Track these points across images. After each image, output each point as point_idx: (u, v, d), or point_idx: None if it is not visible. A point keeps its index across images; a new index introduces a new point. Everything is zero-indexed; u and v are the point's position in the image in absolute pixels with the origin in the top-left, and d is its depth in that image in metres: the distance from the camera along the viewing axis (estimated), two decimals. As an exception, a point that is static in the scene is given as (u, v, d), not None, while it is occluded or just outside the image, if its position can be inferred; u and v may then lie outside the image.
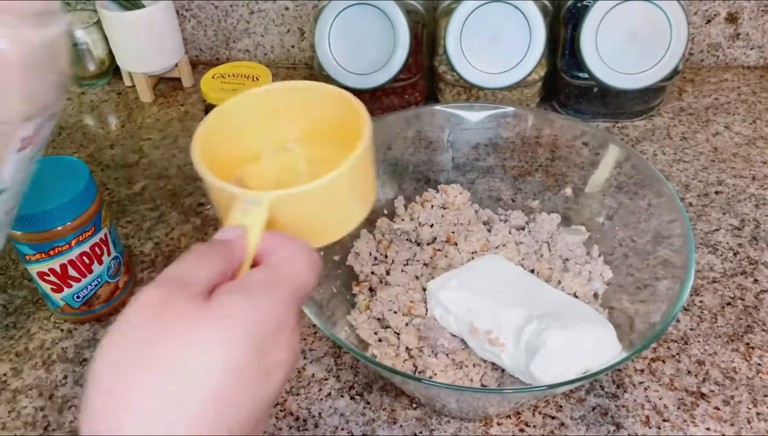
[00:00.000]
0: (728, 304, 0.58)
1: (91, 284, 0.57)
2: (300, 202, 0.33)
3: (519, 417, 0.50)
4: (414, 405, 0.51)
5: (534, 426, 0.49)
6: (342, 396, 0.52)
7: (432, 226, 0.60)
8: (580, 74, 0.78)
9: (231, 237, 0.30)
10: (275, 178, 0.40)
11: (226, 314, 0.26)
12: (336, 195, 0.35)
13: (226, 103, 0.38)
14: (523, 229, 0.61)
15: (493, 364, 0.49)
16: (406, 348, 0.51)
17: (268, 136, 0.40)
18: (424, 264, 0.58)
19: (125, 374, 0.24)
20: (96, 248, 0.55)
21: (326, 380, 0.53)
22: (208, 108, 0.59)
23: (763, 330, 0.56)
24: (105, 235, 0.56)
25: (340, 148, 0.35)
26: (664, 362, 0.54)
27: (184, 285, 0.26)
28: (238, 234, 0.30)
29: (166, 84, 0.93)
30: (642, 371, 0.53)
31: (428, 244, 0.60)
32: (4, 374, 0.55)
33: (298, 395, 0.52)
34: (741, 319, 0.57)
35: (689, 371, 0.53)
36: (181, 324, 0.25)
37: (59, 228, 0.52)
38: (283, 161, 0.41)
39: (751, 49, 0.88)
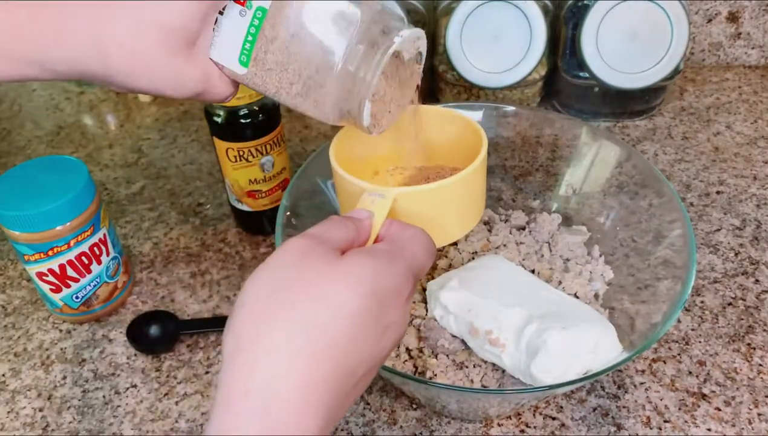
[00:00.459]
0: (729, 304, 0.58)
1: (90, 284, 0.56)
2: (419, 199, 0.39)
3: (520, 418, 0.50)
4: (414, 406, 0.51)
5: (534, 427, 0.49)
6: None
7: (432, 226, 0.60)
8: (581, 74, 0.78)
9: (361, 217, 0.35)
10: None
11: (355, 268, 0.30)
12: (450, 199, 0.40)
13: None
14: (524, 229, 0.61)
15: (494, 364, 0.49)
16: (407, 349, 0.51)
17: (393, 152, 0.47)
18: (424, 264, 0.58)
19: (271, 303, 0.28)
20: (95, 248, 0.55)
21: (326, 380, 0.53)
22: (207, 108, 0.59)
23: (765, 330, 0.55)
24: (104, 235, 0.56)
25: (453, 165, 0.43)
26: (665, 362, 0.53)
27: (324, 241, 0.31)
28: (367, 215, 0.35)
29: (165, 83, 0.93)
30: (643, 371, 0.53)
31: (428, 244, 0.60)
32: (3, 375, 0.55)
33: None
34: (742, 319, 0.56)
35: (690, 372, 0.53)
36: (319, 270, 0.29)
37: (58, 228, 0.52)
38: (399, 177, 0.47)
39: (752, 48, 0.88)
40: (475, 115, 0.61)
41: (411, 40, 0.36)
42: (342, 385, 0.28)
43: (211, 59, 0.35)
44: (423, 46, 0.38)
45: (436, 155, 0.48)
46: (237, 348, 0.28)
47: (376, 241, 0.35)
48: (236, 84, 0.37)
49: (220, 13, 0.34)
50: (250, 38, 0.34)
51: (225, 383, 0.27)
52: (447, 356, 0.50)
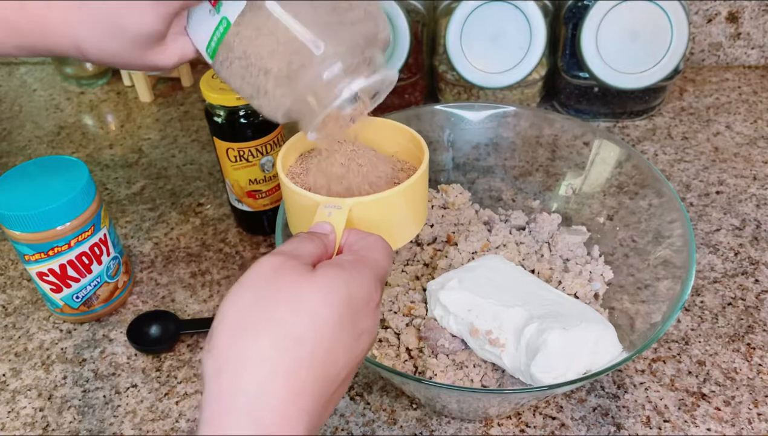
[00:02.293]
0: (729, 304, 0.58)
1: (90, 284, 0.56)
2: (373, 207, 0.40)
3: (519, 418, 0.50)
4: (414, 406, 0.51)
5: (534, 427, 0.49)
6: (342, 397, 0.52)
7: (432, 226, 0.60)
8: (581, 74, 0.78)
9: (325, 231, 0.36)
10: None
11: (328, 280, 0.31)
12: (402, 205, 0.42)
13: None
14: (524, 229, 0.61)
15: (494, 364, 0.49)
16: (407, 349, 0.51)
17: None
18: (425, 264, 0.58)
19: (248, 318, 0.29)
20: (95, 248, 0.55)
21: (326, 380, 0.53)
22: (208, 108, 0.59)
23: (764, 330, 0.55)
24: (104, 235, 0.56)
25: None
26: (664, 362, 0.53)
27: (295, 256, 0.32)
28: (330, 228, 0.37)
29: (165, 84, 0.93)
30: (643, 371, 0.53)
31: (428, 244, 0.60)
32: (3, 375, 0.55)
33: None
34: (742, 319, 0.56)
35: (690, 372, 0.53)
36: (293, 283, 0.30)
37: (58, 228, 0.52)
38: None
39: (752, 48, 0.88)
40: (476, 116, 0.61)
41: (381, 83, 0.38)
42: (323, 392, 0.30)
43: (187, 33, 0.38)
44: (386, 91, 0.40)
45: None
46: (219, 368, 0.28)
47: (338, 251, 0.37)
48: None
49: None
50: (215, 40, 0.36)
51: (210, 402, 0.28)
52: (447, 356, 0.50)
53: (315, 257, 0.34)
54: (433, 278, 0.54)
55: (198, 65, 0.95)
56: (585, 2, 0.74)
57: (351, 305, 0.31)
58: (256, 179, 0.61)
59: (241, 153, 0.59)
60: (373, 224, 0.40)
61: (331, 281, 0.31)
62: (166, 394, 0.53)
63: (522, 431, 0.49)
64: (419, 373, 0.49)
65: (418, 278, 0.57)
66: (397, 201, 0.41)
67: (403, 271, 0.57)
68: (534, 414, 0.50)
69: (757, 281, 0.60)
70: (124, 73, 0.91)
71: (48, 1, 0.35)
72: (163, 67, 0.38)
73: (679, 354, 0.54)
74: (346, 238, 0.37)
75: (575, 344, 0.45)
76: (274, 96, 0.37)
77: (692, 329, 0.56)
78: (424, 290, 0.54)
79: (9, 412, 0.52)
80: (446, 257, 0.57)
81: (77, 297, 0.57)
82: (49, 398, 0.53)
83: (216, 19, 0.36)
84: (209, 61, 0.38)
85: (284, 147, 0.46)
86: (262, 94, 0.37)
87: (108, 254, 0.57)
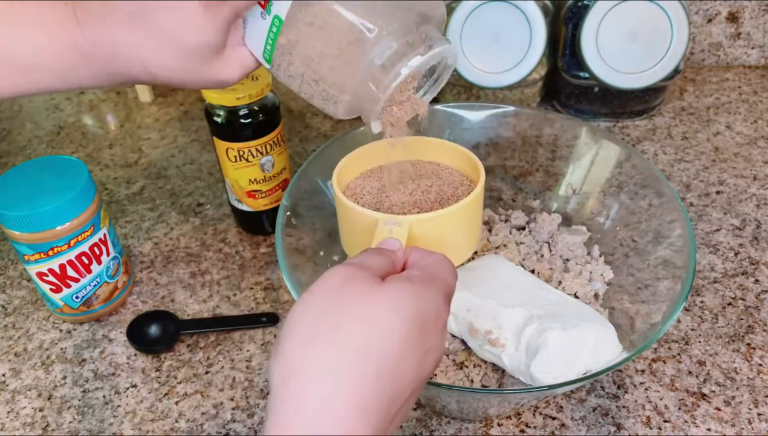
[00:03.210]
0: (729, 304, 0.58)
1: (90, 284, 0.56)
2: (432, 225, 0.40)
3: (519, 418, 0.50)
4: (414, 406, 0.51)
5: (534, 427, 0.49)
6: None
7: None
8: (581, 74, 0.78)
9: (394, 247, 0.37)
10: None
11: (398, 292, 0.31)
12: (459, 223, 0.43)
13: (363, 148, 0.50)
14: (524, 229, 0.61)
15: (494, 364, 0.49)
16: (406, 349, 0.51)
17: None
18: (424, 264, 0.58)
19: (318, 328, 0.29)
20: (95, 248, 0.55)
21: (326, 380, 0.53)
22: (208, 108, 0.59)
23: (764, 330, 0.55)
24: (104, 235, 0.56)
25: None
26: (664, 362, 0.53)
27: (365, 268, 0.32)
28: (399, 245, 0.37)
29: (165, 84, 0.93)
30: (643, 371, 0.53)
31: (428, 244, 0.60)
32: (3, 375, 0.55)
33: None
34: (742, 319, 0.56)
35: (690, 372, 0.53)
36: (363, 294, 0.30)
37: (58, 228, 0.52)
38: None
39: (752, 48, 0.88)
40: (476, 116, 0.61)
41: (440, 58, 0.37)
42: (388, 408, 0.29)
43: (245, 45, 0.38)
44: (448, 72, 0.40)
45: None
46: (286, 375, 0.28)
47: (402, 269, 0.36)
48: None
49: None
50: (270, 42, 0.36)
51: (276, 407, 0.28)
52: (447, 356, 0.50)
53: (384, 271, 0.34)
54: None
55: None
56: (585, 2, 0.74)
57: (420, 319, 0.30)
58: (256, 179, 0.61)
59: (241, 153, 0.59)
60: (432, 241, 0.40)
61: (401, 293, 0.31)
62: (165, 394, 0.53)
63: (522, 431, 0.49)
64: (419, 373, 0.49)
65: (418, 278, 0.56)
66: (456, 218, 0.41)
67: (403, 271, 0.57)
68: (534, 414, 0.50)
69: (757, 281, 0.60)
70: (124, 73, 0.91)
71: (112, 26, 0.34)
72: (228, 81, 0.38)
73: (679, 354, 0.54)
74: (409, 255, 0.37)
75: (575, 344, 0.45)
76: (334, 89, 0.36)
77: (692, 329, 0.56)
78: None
79: (9, 412, 0.52)
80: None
81: (77, 297, 0.57)
82: (48, 398, 0.53)
83: (268, 21, 0.35)
84: (268, 67, 0.38)
85: (339, 165, 0.47)
86: (322, 90, 0.36)
87: (108, 254, 0.57)
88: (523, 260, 0.57)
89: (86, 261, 0.55)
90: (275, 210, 0.64)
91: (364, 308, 0.30)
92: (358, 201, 0.46)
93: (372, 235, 0.39)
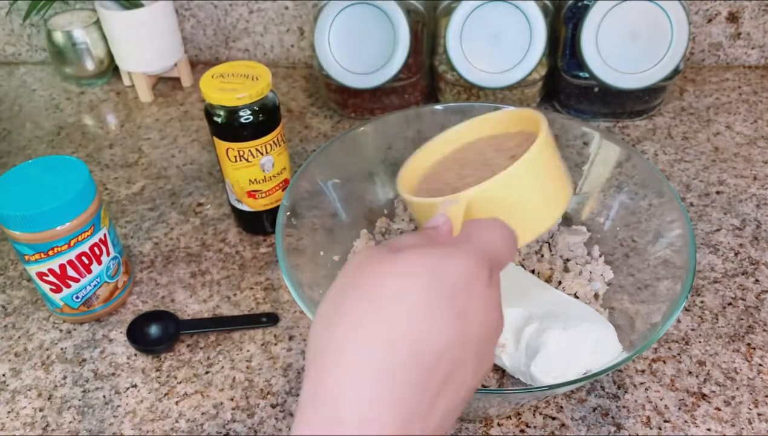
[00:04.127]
0: (729, 304, 0.58)
1: (90, 284, 0.56)
2: (494, 193, 0.36)
3: (519, 418, 0.50)
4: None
5: (534, 427, 0.49)
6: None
7: (432, 226, 0.60)
8: (581, 74, 0.78)
9: (436, 223, 0.35)
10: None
11: (410, 259, 0.29)
12: (528, 184, 0.37)
13: (426, 146, 0.47)
14: (524, 229, 0.61)
15: (494, 364, 0.49)
16: (406, 349, 0.51)
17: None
18: (424, 264, 0.58)
19: (333, 310, 0.29)
20: (95, 248, 0.55)
21: (326, 380, 0.53)
22: (208, 108, 0.59)
23: (764, 330, 0.55)
24: (104, 235, 0.56)
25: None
26: (665, 362, 0.53)
27: (386, 245, 0.31)
28: (443, 220, 0.35)
29: (165, 84, 0.93)
30: (643, 371, 0.53)
31: (428, 244, 0.60)
32: (3, 375, 0.55)
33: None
34: (742, 319, 0.56)
35: (690, 372, 0.53)
36: (373, 269, 0.30)
37: (58, 228, 0.52)
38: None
39: (752, 48, 0.88)
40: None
41: None
42: (420, 379, 0.27)
43: None
44: None
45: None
46: (313, 357, 0.29)
47: None
48: None
49: None
50: None
51: (305, 384, 0.29)
52: (447, 356, 0.50)
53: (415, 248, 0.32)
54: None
55: (197, 65, 0.96)
56: (585, 2, 0.74)
57: (440, 281, 0.29)
58: (256, 179, 0.61)
59: (241, 153, 0.59)
60: (501, 212, 0.36)
61: (413, 258, 0.29)
62: (165, 394, 0.53)
63: (522, 431, 0.49)
64: (419, 373, 0.49)
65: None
66: (519, 180, 0.37)
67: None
68: (534, 414, 0.50)
69: (757, 281, 0.60)
70: (124, 73, 0.91)
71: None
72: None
73: (679, 354, 0.54)
74: (463, 229, 0.35)
75: (575, 344, 0.45)
76: None
77: (692, 329, 0.56)
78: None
79: (9, 412, 0.52)
80: (446, 257, 0.57)
81: (77, 297, 0.57)
82: (48, 398, 0.53)
83: None
84: None
85: (402, 170, 0.44)
86: None
87: (108, 254, 0.57)
88: (523, 260, 0.57)
89: (86, 261, 0.55)
90: (275, 210, 0.64)
91: (373, 281, 0.29)
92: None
93: None
